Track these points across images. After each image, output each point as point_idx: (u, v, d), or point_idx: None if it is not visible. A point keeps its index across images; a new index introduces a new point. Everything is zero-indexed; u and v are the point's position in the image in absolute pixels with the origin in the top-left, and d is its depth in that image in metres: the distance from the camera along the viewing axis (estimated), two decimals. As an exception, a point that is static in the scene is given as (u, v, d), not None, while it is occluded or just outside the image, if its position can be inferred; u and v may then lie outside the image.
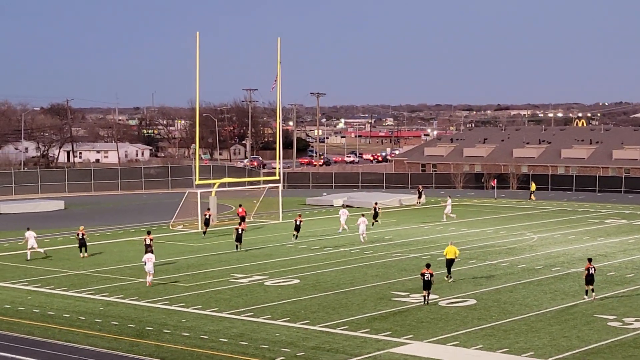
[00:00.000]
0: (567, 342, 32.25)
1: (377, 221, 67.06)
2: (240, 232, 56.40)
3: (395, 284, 43.94)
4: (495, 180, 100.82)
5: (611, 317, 36.10)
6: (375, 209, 68.68)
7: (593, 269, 40.12)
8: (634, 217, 75.14)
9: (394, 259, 52.20)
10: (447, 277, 45.10)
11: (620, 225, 69.96)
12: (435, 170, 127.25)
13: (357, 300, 39.89)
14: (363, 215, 58.00)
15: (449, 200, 75.88)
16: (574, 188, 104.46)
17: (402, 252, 54.94)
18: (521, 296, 40.79)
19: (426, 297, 39.31)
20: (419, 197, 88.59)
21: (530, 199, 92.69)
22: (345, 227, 63.42)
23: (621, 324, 35.03)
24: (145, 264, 45.15)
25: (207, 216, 62.67)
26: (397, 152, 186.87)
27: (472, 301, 39.54)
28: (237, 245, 56.06)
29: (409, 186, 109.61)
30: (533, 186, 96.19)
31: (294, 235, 60.90)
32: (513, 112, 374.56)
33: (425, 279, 39.24)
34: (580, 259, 51.88)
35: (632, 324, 35.01)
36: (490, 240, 60.32)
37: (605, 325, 34.74)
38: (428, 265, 39.99)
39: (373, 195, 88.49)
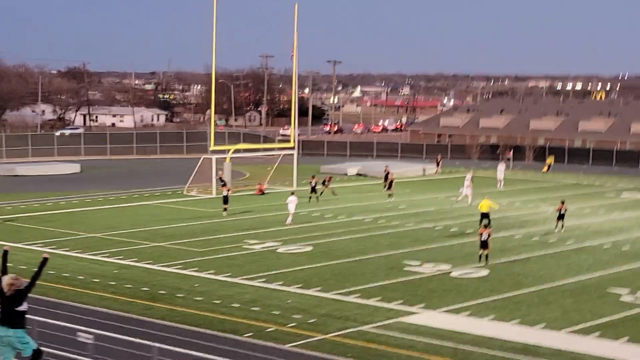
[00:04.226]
0: (579, 315, 32.33)
1: (390, 193, 66.45)
2: (226, 193, 57.62)
3: (407, 254, 44.05)
4: (511, 151, 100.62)
5: (625, 292, 36.13)
6: (387, 178, 68.37)
7: (487, 235, 41.19)
8: (650, 192, 74.93)
9: (407, 229, 52.29)
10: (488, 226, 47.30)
11: (637, 199, 69.76)
12: (450, 141, 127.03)
13: (369, 269, 40.04)
14: (293, 193, 57.18)
15: (501, 167, 76.33)
16: (590, 161, 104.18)
17: (415, 222, 55.01)
18: (535, 268, 40.85)
19: (481, 256, 41.24)
20: (438, 165, 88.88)
21: (543, 170, 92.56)
22: (290, 221, 61.06)
23: (634, 298, 35.06)
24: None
25: (226, 192, 58.68)
26: (401, 122, 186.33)
27: (485, 272, 39.62)
28: (224, 208, 57.09)
29: (424, 156, 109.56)
30: (550, 159, 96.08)
31: (309, 197, 61.86)
32: (531, 84, 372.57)
33: (482, 239, 41.11)
34: (596, 232, 51.91)
35: (645, 298, 35.04)
36: (504, 212, 60.26)
37: (618, 300, 34.79)
38: (486, 226, 42.20)
39: (389, 165, 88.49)
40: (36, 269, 19.49)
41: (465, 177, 67.90)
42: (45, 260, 19.67)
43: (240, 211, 58.46)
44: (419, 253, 44.44)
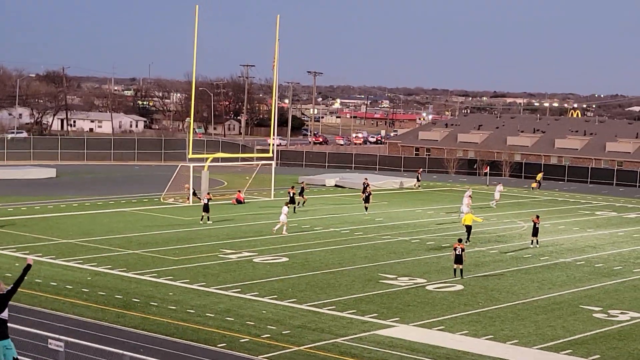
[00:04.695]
0: (552, 331, 32.34)
1: (367, 203, 66.20)
2: (207, 201, 57.61)
3: (383, 267, 43.98)
4: (488, 167, 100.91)
5: (597, 309, 36.19)
6: (366, 190, 68.28)
7: (461, 249, 41.30)
8: (624, 210, 75.28)
9: (383, 241, 52.23)
10: (468, 241, 50.51)
11: (611, 217, 70.08)
12: (428, 155, 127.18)
13: (344, 281, 39.92)
14: (287, 204, 57.00)
15: (499, 187, 75.80)
16: (566, 178, 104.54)
17: (392, 235, 54.96)
18: (508, 284, 40.87)
19: (456, 271, 41.46)
20: (418, 179, 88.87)
21: (532, 186, 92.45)
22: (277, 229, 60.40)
23: (606, 315, 35.12)
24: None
25: (206, 200, 58.51)
26: (381, 134, 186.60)
27: (460, 287, 39.60)
28: (202, 216, 57.17)
29: (402, 169, 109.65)
30: (540, 175, 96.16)
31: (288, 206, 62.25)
32: (509, 100, 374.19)
33: (457, 253, 41.31)
34: (569, 249, 52.04)
35: (617, 316, 35.10)
36: (480, 227, 60.33)
37: (590, 317, 34.83)
38: (460, 240, 42.16)
39: (367, 177, 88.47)
40: (19, 275, 19.24)
41: (464, 194, 66.95)
42: (28, 266, 19.46)
43: (217, 220, 58.23)
44: (395, 266, 44.37)
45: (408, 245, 51.09)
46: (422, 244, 51.76)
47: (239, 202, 68.48)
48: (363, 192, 68.93)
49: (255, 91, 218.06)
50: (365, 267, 43.81)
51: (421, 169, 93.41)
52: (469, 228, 52.58)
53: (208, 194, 60.94)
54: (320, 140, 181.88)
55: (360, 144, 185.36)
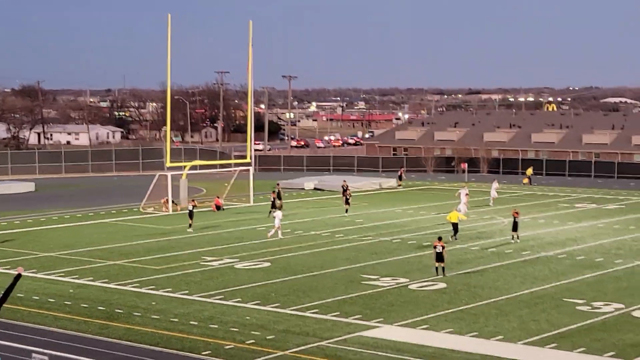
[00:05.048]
0: (537, 325, 32.38)
1: (347, 205, 66.07)
2: (191, 208, 57.65)
3: (365, 268, 43.95)
4: (466, 164, 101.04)
5: (580, 301, 36.28)
6: (345, 193, 68.14)
7: (441, 247, 41.23)
8: (603, 202, 75.59)
9: (365, 243, 52.21)
10: (455, 237, 51.82)
11: (590, 209, 70.35)
12: (406, 154, 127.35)
13: (327, 284, 39.86)
14: (280, 208, 56.85)
15: (495, 184, 75.71)
16: (544, 172, 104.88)
17: (373, 236, 54.95)
18: (491, 280, 40.92)
19: (438, 269, 41.35)
20: (400, 179, 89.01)
21: (524, 182, 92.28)
22: (272, 233, 60.85)
23: (590, 308, 35.21)
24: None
25: (191, 207, 58.21)
26: (358, 135, 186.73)
27: (442, 285, 39.61)
28: (190, 223, 57.20)
29: (380, 170, 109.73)
30: (529, 170, 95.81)
31: (270, 212, 62.61)
32: (484, 96, 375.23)
33: (437, 251, 41.18)
34: (550, 243, 52.19)
35: (601, 307, 35.20)
36: (460, 224, 60.36)
37: (574, 310, 34.91)
38: (440, 238, 42.00)
39: (346, 179, 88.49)
40: (9, 284, 19.05)
41: (459, 192, 67.90)
42: (19, 275, 19.27)
43: (198, 227, 58.04)
44: (377, 266, 44.35)
45: (389, 245, 51.09)
46: (404, 244, 51.78)
47: (218, 207, 68.34)
48: (343, 195, 68.91)
49: (230, 97, 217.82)
50: (348, 268, 43.77)
51: (403, 169, 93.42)
52: (455, 225, 52.78)
53: (192, 200, 60.80)
54: (302, 143, 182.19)
55: (339, 146, 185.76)
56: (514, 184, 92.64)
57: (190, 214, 57.58)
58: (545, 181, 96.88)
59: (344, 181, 72.50)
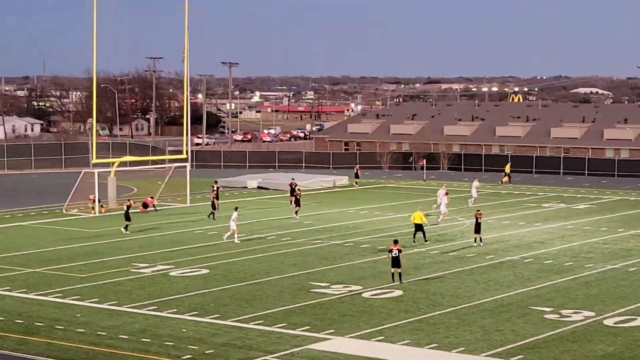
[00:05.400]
0: (501, 336, 32.71)
1: (298, 207, 65.62)
2: (127, 209, 57.79)
3: (314, 274, 44.06)
4: (425, 160, 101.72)
5: (548, 309, 36.71)
6: (293, 193, 68.07)
7: (398, 251, 41.34)
8: (573, 201, 76.50)
9: (314, 247, 52.33)
10: (413, 241, 52.31)
11: (559, 209, 71.16)
12: (359, 149, 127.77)
13: (272, 292, 39.90)
14: (236, 209, 56.61)
15: (475, 183, 75.42)
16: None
17: (323, 239, 55.09)
18: (451, 286, 41.24)
19: (394, 275, 41.46)
20: (356, 177, 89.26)
21: (503, 180, 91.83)
22: (227, 236, 61.45)
23: (558, 316, 35.65)
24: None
25: (126, 207, 58.49)
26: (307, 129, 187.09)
27: (399, 292, 39.84)
28: (126, 225, 57.35)
29: (331, 166, 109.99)
30: (508, 167, 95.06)
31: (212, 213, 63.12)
32: (444, 86, 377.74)
33: (393, 255, 41.15)
34: (516, 246, 52.72)
35: (570, 316, 35.65)
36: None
37: (541, 318, 35.32)
38: (396, 241, 41.94)
39: (291, 177, 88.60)
40: None
41: (438, 192, 67.52)
42: None
43: (129, 230, 57.74)
44: (327, 273, 44.47)
45: (341, 250, 51.25)
46: (356, 248, 51.98)
47: (145, 205, 67.49)
48: (291, 195, 68.94)
49: (164, 86, 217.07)
50: (295, 275, 43.85)
51: (358, 165, 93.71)
52: (418, 227, 53.18)
53: (128, 200, 60.52)
54: (250, 137, 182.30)
55: (286, 140, 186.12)
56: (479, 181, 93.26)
57: (127, 216, 57.44)
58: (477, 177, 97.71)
59: (292, 179, 72.58)
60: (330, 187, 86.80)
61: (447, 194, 65.59)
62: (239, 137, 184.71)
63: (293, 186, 69.71)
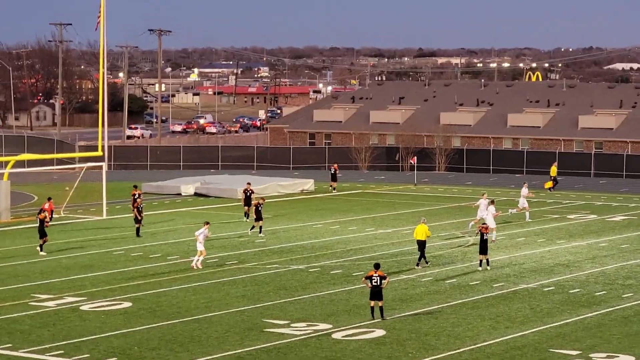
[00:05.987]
0: (513, 388, 32.91)
1: (259, 222, 65.08)
2: (40, 222, 57.59)
3: (270, 309, 44.11)
4: (415, 157, 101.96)
5: (574, 353, 36.96)
6: (250, 201, 68.06)
7: (379, 278, 41.56)
8: (607, 211, 76.92)
9: (269, 273, 52.39)
10: (417, 264, 53.26)
11: (589, 222, 71.52)
12: (329, 143, 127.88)
13: (215, 332, 39.93)
14: (207, 223, 56.56)
15: (525, 191, 74.15)
16: (524, 169, 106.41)
17: (281, 263, 55.17)
18: (449, 324, 41.39)
19: (374, 309, 41.55)
20: (333, 179, 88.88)
21: (547, 186, 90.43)
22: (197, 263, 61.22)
23: (587, 362, 35.90)
24: None
25: (38, 221, 58.44)
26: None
27: (380, 332, 39.93)
28: (41, 243, 57.46)
29: (291, 166, 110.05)
30: (554, 170, 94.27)
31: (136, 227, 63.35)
32: (441, 60, 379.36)
33: (374, 284, 41.21)
34: (533, 270, 52.98)
35: (603, 361, 35.94)
36: (407, 245, 60.95)
37: (565, 365, 35.54)
38: (377, 266, 42.02)
39: (239, 180, 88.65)
40: None
41: (478, 202, 66.81)
42: None
43: (25, 252, 57.60)
44: (286, 307, 44.52)
45: (304, 277, 51.31)
46: (325, 274, 52.05)
47: (41, 212, 66.18)
48: (246, 205, 68.94)
49: (73, 61, 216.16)
50: (244, 310, 43.88)
51: (336, 164, 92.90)
52: (422, 245, 53.62)
53: (43, 212, 60.17)
54: (195, 128, 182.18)
55: (235, 132, 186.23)
56: (484, 185, 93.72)
57: (42, 230, 57.56)
58: (526, 181, 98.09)
59: (248, 184, 72.29)
60: (291, 194, 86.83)
61: (492, 202, 64.66)
62: (179, 128, 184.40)
63: (249, 193, 69.76)
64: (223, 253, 57.87)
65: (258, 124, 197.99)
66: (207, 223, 55.51)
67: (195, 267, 53.33)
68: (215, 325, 41.12)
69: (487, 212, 63.03)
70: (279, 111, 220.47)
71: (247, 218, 68.78)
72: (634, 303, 45.45)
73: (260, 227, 64.30)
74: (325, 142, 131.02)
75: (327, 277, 51.35)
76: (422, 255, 53.68)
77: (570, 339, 39.03)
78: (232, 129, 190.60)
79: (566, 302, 45.55)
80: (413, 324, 41.37)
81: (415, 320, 42.18)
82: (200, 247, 53.66)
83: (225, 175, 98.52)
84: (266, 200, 67.29)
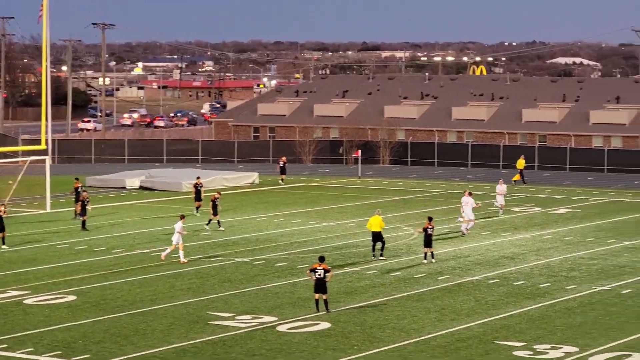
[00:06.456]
0: (458, 380, 32.96)
1: (215, 215, 64.73)
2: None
3: (215, 301, 44.02)
4: (359, 151, 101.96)
5: (518, 344, 37.08)
6: (200, 196, 68.18)
7: (323, 271, 41.49)
8: (551, 204, 77.34)
9: (214, 265, 52.28)
10: (379, 254, 53.50)
11: (533, 214, 71.88)
12: (273, 137, 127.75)
13: (160, 325, 39.78)
14: (183, 217, 56.30)
15: (501, 187, 72.68)
16: (469, 162, 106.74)
17: (225, 255, 55.08)
18: (394, 317, 41.43)
19: (319, 302, 41.49)
20: (282, 172, 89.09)
21: (515, 179, 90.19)
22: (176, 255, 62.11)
23: (532, 352, 36.02)
24: None
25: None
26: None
27: (325, 325, 39.92)
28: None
29: (236, 159, 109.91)
30: (521, 162, 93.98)
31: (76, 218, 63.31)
32: (385, 54, 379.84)
33: (318, 276, 41.17)
34: (478, 263, 53.17)
35: (547, 352, 36.04)
36: (351, 237, 61.01)
37: (510, 355, 35.68)
38: (321, 259, 42.14)
39: (184, 174, 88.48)
40: None
41: (462, 200, 65.84)
42: None
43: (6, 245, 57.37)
44: (231, 300, 44.45)
45: (249, 269, 51.26)
46: (269, 267, 52.01)
47: None
48: (197, 199, 68.86)
49: (17, 55, 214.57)
50: (189, 303, 43.76)
51: (285, 157, 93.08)
52: (378, 236, 53.73)
53: (2, 205, 59.78)
54: (148, 121, 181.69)
55: (182, 125, 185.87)
56: (428, 178, 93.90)
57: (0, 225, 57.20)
58: (470, 175, 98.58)
59: (198, 178, 72.03)
60: (236, 188, 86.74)
61: (470, 194, 64.87)
62: (127, 122, 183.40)
63: (199, 187, 69.73)
64: (168, 246, 57.65)
65: (209, 116, 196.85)
66: (183, 217, 55.30)
67: (163, 258, 53.26)
68: (160, 318, 40.99)
69: (468, 201, 63.68)
70: (218, 105, 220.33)
71: (198, 212, 68.77)
72: (577, 295, 45.74)
73: (218, 221, 64.27)
74: (269, 136, 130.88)
75: (271, 269, 51.34)
76: (382, 246, 53.87)
77: (514, 331, 39.20)
78: (180, 122, 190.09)
79: (511, 294, 45.76)
80: (358, 317, 41.40)
81: (361, 312, 42.20)
82: (176, 240, 53.25)
83: (170, 168, 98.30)
84: (211, 194, 67.02)
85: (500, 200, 72.03)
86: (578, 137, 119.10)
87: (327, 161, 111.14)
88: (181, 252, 53.26)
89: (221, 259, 54.04)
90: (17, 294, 45.48)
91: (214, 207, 64.40)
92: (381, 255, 53.78)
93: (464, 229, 62.45)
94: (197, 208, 69.40)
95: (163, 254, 53.54)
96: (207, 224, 64.14)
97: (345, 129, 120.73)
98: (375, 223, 53.85)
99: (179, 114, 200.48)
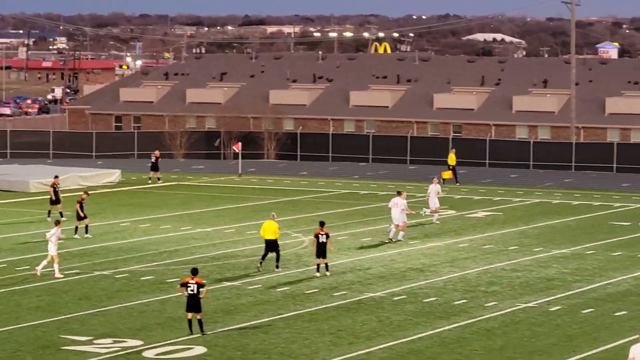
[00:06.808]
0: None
1: (82, 221, 64.55)
2: None
3: (68, 323, 43.75)
4: (240, 143, 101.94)
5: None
6: (58, 198, 67.85)
7: (197, 286, 41.76)
8: (467, 206, 77.87)
9: (68, 280, 51.96)
10: (258, 268, 53.87)
11: (447, 218, 72.25)
12: (138, 127, 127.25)
13: (2, 352, 39.44)
14: (57, 223, 56.00)
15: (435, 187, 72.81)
16: (370, 156, 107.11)
17: (82, 267, 54.76)
18: (282, 340, 41.45)
19: (192, 322, 41.68)
20: (154, 169, 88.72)
21: (444, 176, 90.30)
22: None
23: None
24: None
25: None
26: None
27: (201, 349, 39.87)
28: None
29: (95, 154, 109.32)
30: (452, 158, 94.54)
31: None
32: (271, 29, 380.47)
33: (190, 292, 41.44)
34: (381, 276, 53.30)
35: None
36: (230, 246, 61.01)
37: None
38: (195, 271, 42.08)
39: (32, 171, 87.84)
40: None
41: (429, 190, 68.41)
42: None
43: None
44: (89, 320, 44.21)
45: (110, 284, 51.03)
46: (134, 281, 51.84)
47: None
48: (55, 202, 68.42)
49: None
50: (38, 325, 43.45)
51: (158, 151, 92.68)
52: (271, 245, 53.94)
53: None
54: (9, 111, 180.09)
55: (31, 113, 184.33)
56: (321, 176, 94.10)
57: None
58: (371, 172, 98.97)
59: (56, 177, 71.61)
60: (94, 187, 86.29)
61: (438, 181, 67.81)
62: (8, 111, 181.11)
63: (57, 188, 69.20)
64: (12, 257, 57.31)
65: (67, 102, 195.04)
66: (58, 222, 54.87)
67: (39, 274, 52.64)
68: (3, 343, 40.63)
69: (433, 189, 65.93)
70: (68, 90, 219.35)
71: (49, 217, 68.21)
72: (498, 313, 46.05)
73: (86, 226, 64.21)
74: (134, 126, 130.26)
75: (136, 284, 51.13)
76: (267, 254, 53.96)
77: (425, 356, 39.41)
78: (30, 110, 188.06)
79: (420, 313, 45.94)
80: (239, 340, 41.37)
81: (242, 335, 42.17)
82: (52, 251, 52.85)
83: (16, 165, 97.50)
84: (65, 195, 66.85)
85: (433, 204, 71.58)
86: (499, 127, 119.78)
87: (201, 156, 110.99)
88: (56, 266, 52.91)
89: (77, 271, 53.73)
90: None
91: (81, 209, 64.23)
92: (277, 267, 53.94)
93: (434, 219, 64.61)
94: (61, 213, 68.63)
95: (38, 268, 53.06)
96: (76, 233, 63.67)
97: (224, 118, 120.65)
98: (269, 229, 54.02)
99: (27, 100, 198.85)
